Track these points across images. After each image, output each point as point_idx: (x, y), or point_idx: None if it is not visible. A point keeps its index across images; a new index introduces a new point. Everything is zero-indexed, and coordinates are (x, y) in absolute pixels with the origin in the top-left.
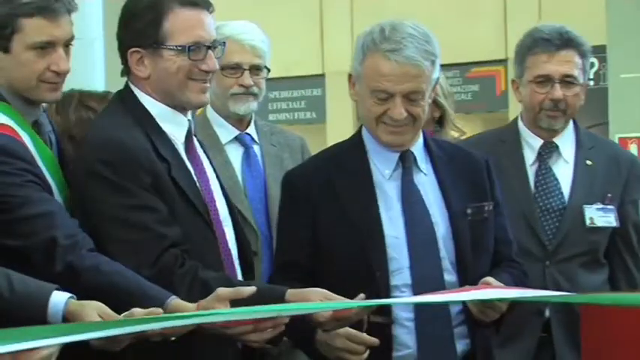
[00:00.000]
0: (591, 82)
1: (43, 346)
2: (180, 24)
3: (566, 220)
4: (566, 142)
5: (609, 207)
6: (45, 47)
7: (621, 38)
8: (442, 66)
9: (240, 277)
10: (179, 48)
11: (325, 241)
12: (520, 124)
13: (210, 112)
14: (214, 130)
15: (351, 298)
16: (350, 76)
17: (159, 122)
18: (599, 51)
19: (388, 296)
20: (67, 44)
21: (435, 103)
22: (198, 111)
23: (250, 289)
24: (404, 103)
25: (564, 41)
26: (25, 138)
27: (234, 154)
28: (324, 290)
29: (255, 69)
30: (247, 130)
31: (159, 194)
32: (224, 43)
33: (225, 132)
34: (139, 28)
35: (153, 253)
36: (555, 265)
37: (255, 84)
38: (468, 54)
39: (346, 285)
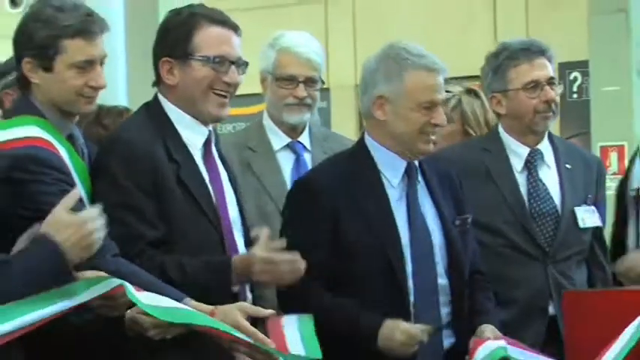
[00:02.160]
0: (575, 95)
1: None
2: (208, 39)
3: (562, 223)
4: (545, 148)
5: (592, 207)
6: (84, 66)
7: (602, 54)
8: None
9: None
10: (205, 58)
11: (347, 244)
12: (503, 134)
13: (266, 119)
14: (268, 137)
15: (374, 297)
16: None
17: (177, 128)
18: (582, 66)
19: (407, 294)
20: (101, 62)
21: (466, 133)
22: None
23: (268, 312)
24: None
25: (538, 50)
26: (62, 150)
27: (286, 161)
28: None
29: (310, 81)
30: (300, 139)
31: (159, 192)
32: (247, 63)
33: (278, 139)
34: (171, 41)
35: (131, 250)
36: (554, 265)
37: (309, 95)
38: (463, 68)
39: (367, 283)
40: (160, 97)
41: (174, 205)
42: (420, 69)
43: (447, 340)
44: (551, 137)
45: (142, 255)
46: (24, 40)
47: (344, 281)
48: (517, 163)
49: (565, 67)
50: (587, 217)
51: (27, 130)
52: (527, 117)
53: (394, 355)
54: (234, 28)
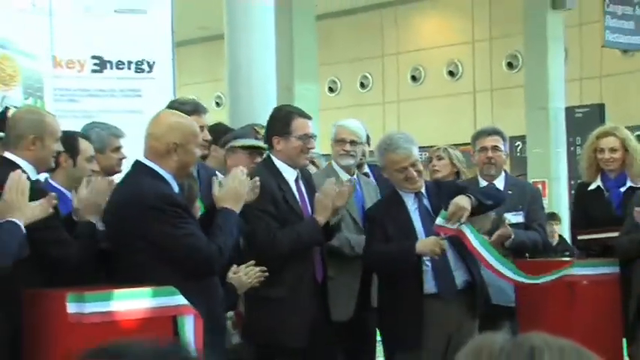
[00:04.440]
0: (518, 154)
1: None
2: (299, 125)
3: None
4: (500, 183)
5: (519, 212)
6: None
7: (533, 132)
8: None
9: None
10: (298, 136)
11: (391, 238)
12: (478, 174)
13: (334, 165)
14: (338, 174)
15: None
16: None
17: (280, 171)
18: (523, 138)
19: (420, 263)
20: (208, 128)
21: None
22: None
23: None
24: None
25: (492, 131)
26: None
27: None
28: None
29: (353, 143)
30: (354, 176)
31: (275, 206)
32: (315, 136)
33: (344, 175)
34: (278, 126)
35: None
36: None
37: (352, 150)
38: (455, 139)
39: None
40: (272, 155)
41: (282, 211)
42: (391, 153)
43: (461, 278)
44: (506, 177)
45: (275, 231)
46: None
47: None
48: None
49: (514, 139)
50: (511, 217)
51: None
52: (479, 166)
53: (428, 254)
54: (310, 118)
